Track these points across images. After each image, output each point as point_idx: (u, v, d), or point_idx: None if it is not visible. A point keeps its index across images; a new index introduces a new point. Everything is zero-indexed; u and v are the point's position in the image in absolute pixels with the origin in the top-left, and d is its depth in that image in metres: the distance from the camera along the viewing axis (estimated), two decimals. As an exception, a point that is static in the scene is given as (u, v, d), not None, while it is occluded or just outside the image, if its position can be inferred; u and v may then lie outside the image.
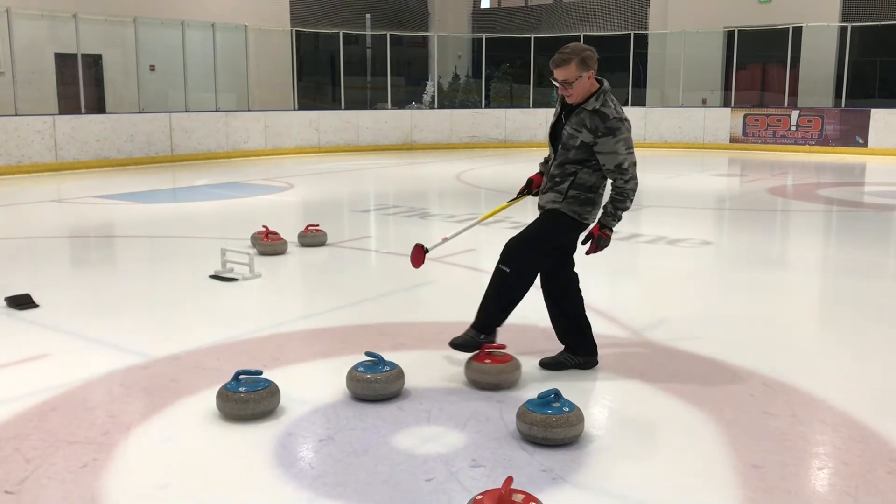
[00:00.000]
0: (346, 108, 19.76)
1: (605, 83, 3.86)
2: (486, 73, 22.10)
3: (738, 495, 2.91)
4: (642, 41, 21.38)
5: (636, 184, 3.85)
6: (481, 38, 21.88)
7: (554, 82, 3.85)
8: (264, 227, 7.20)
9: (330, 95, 22.01)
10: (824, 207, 10.67)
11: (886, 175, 14.65)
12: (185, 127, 16.25)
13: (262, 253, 6.92)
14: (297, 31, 20.02)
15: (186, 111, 16.90)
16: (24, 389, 3.87)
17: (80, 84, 15.52)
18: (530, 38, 21.29)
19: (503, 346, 3.96)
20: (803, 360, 4.42)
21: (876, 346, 4.71)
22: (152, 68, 17.93)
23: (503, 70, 23.55)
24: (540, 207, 4.09)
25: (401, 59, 23.19)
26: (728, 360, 4.26)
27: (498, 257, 3.99)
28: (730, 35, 20.82)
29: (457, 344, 3.97)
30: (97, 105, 17.50)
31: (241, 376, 3.58)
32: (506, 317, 4.05)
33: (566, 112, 3.93)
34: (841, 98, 19.00)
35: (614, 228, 3.97)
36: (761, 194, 11.73)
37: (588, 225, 4.00)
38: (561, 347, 4.19)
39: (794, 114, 18.80)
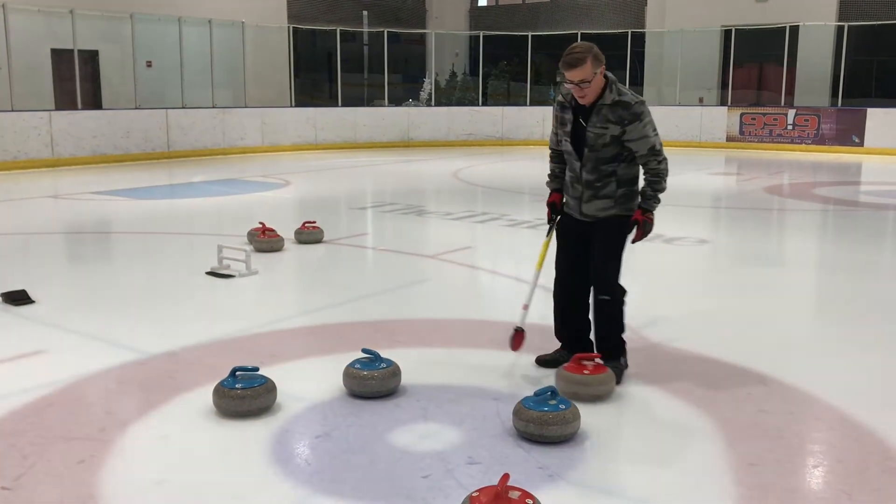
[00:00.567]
0: (344, 105, 19.74)
1: (609, 73, 3.81)
2: (483, 70, 22.08)
3: (734, 493, 2.92)
4: (639, 39, 21.39)
5: (667, 163, 3.84)
6: (479, 36, 21.89)
7: (567, 85, 3.75)
8: (261, 223, 7.19)
9: (327, 92, 21.98)
10: (821, 206, 10.69)
11: (882, 174, 14.68)
12: (181, 123, 16.22)
13: (259, 250, 6.91)
14: (294, 27, 19.99)
15: (183, 108, 16.88)
16: (20, 385, 3.86)
17: (77, 80, 15.49)
18: (528, 35, 21.29)
19: (597, 356, 3.84)
20: (800, 357, 4.43)
21: (872, 345, 4.72)
22: (149, 64, 17.89)
23: (500, 68, 23.54)
24: (590, 217, 3.92)
25: (398, 57, 23.16)
26: (724, 357, 4.26)
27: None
28: (727, 34, 20.85)
29: (617, 382, 3.85)
30: (93, 101, 17.46)
31: (237, 373, 3.58)
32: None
33: (581, 115, 3.83)
34: (837, 97, 19.02)
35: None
36: (758, 193, 11.74)
37: None
38: (556, 345, 4.19)
39: (791, 113, 18.82)
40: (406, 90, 22.30)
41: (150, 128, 15.69)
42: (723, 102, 20.87)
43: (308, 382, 3.94)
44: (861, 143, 17.80)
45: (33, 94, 15.81)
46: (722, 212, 10.53)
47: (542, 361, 4.14)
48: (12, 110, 14.23)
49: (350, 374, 3.74)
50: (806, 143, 18.46)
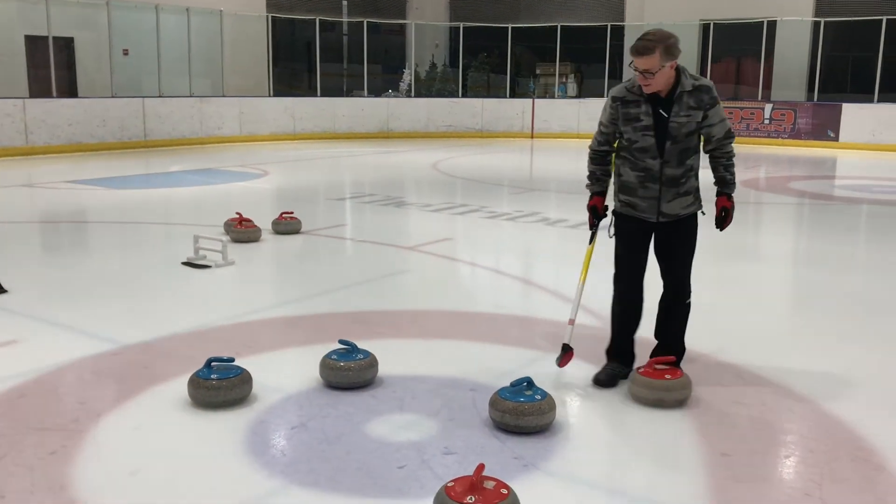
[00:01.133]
0: (322, 95, 19.63)
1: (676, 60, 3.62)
2: (463, 62, 22.04)
3: (707, 483, 2.95)
4: (619, 33, 21.41)
5: None
6: (459, 27, 21.83)
7: (634, 70, 3.58)
8: (238, 213, 7.15)
9: (306, 82, 21.82)
10: (796, 200, 10.80)
11: (856, 169, 14.84)
12: (158, 112, 16.07)
13: (236, 240, 6.88)
14: (272, 16, 19.83)
15: (160, 96, 16.70)
16: (-8, 376, 3.82)
17: (52, 67, 15.27)
18: (508, 27, 21.27)
19: (672, 359, 3.74)
20: (774, 350, 4.48)
21: (844, 337, 4.79)
22: (125, 52, 17.66)
23: (480, 59, 23.49)
24: (671, 216, 3.75)
25: (377, 47, 23.02)
26: (699, 350, 4.30)
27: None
28: (705, 28, 20.93)
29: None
30: (69, 89, 17.21)
31: (213, 363, 3.56)
32: None
33: (661, 107, 3.61)
34: (813, 92, 19.20)
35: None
36: (734, 186, 11.81)
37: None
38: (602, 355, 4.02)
39: (768, 107, 18.97)
40: (386, 81, 22.20)
41: (127, 116, 15.53)
42: (701, 96, 20.93)
43: (284, 373, 3.93)
44: (836, 138, 17.98)
45: (6, 82, 15.58)
46: (699, 205, 10.58)
47: (602, 382, 3.82)
48: (-15, 97, 14.02)
49: (327, 364, 3.74)
50: (782, 138, 18.62)
